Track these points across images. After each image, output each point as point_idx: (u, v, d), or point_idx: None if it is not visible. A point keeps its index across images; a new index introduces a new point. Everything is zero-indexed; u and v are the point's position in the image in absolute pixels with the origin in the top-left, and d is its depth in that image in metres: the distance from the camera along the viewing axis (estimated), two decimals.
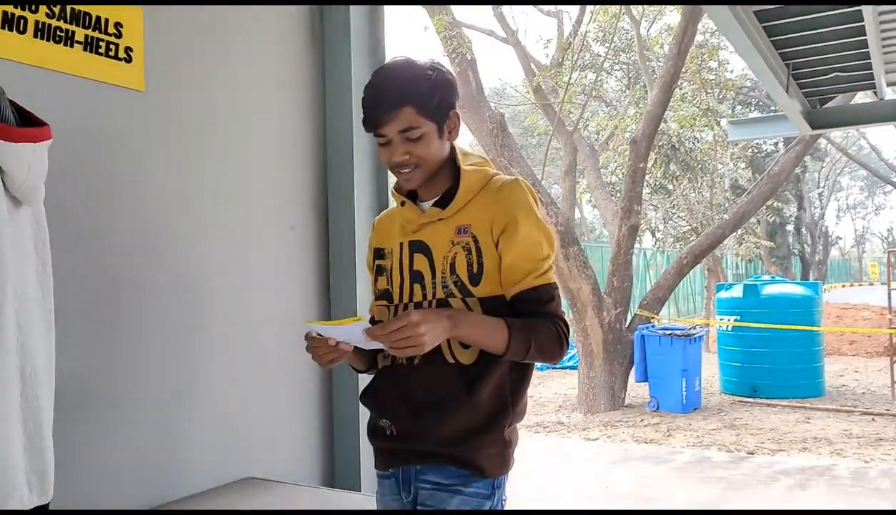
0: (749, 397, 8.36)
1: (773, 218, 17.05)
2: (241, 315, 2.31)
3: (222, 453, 2.21)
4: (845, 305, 14.98)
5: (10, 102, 1.23)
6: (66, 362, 1.81)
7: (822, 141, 19.53)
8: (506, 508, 1.47)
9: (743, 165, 15.95)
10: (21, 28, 1.78)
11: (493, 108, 8.09)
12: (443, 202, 1.48)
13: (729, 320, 8.73)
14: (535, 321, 1.41)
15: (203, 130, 2.22)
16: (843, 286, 30.88)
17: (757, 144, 16.55)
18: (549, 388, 9.73)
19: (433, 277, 1.46)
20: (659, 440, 6.57)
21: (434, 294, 1.45)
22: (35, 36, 1.81)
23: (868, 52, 4.69)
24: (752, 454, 6.00)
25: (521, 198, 1.44)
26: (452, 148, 1.51)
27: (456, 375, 1.41)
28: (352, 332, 1.33)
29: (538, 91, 9.89)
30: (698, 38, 10.81)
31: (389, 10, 2.81)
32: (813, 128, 6.16)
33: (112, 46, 1.98)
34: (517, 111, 18.60)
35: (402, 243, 1.52)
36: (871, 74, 5.21)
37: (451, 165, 1.50)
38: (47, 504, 1.24)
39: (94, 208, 1.92)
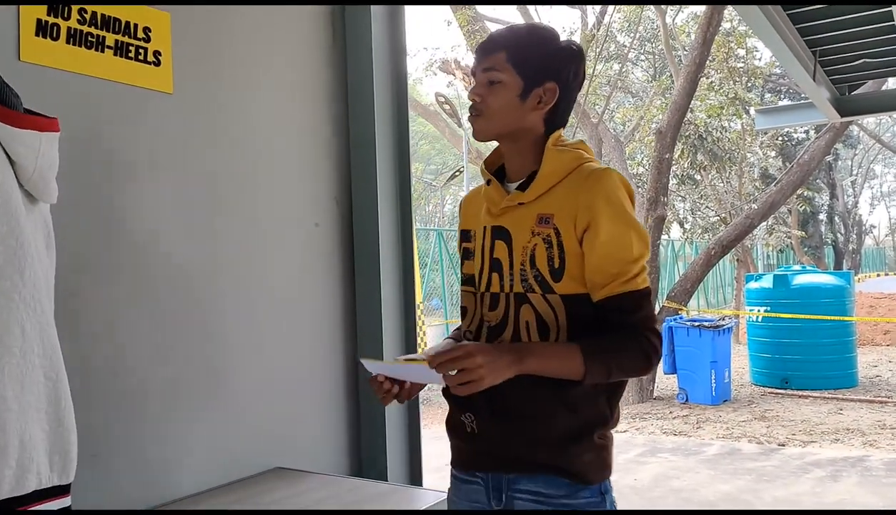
0: (780, 388, 8.27)
1: (804, 207, 16.76)
2: (269, 310, 2.37)
3: (252, 444, 2.27)
4: (879, 294, 14.67)
5: (26, 109, 1.27)
6: (102, 355, 1.89)
7: (855, 128, 19.12)
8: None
9: (773, 154, 15.70)
10: (54, 35, 1.85)
11: None
12: (526, 186, 1.34)
13: (758, 310, 8.63)
14: (616, 339, 1.27)
15: (229, 129, 2.28)
16: (878, 276, 30.20)
17: (787, 132, 16.27)
18: None
19: (511, 268, 1.34)
20: (688, 433, 6.53)
21: (512, 287, 1.34)
22: (67, 42, 1.87)
23: None
24: (783, 445, 5.94)
25: (611, 190, 1.27)
26: (548, 128, 1.36)
27: (550, 379, 1.27)
28: (420, 372, 1.26)
29: None
30: (726, 25, 10.65)
31: (410, 6, 2.84)
32: (842, 115, 6.04)
33: (141, 51, 2.04)
34: None
35: (485, 227, 1.40)
36: None
37: (543, 145, 1.35)
38: (68, 485, 1.27)
39: (125, 207, 1.98)
